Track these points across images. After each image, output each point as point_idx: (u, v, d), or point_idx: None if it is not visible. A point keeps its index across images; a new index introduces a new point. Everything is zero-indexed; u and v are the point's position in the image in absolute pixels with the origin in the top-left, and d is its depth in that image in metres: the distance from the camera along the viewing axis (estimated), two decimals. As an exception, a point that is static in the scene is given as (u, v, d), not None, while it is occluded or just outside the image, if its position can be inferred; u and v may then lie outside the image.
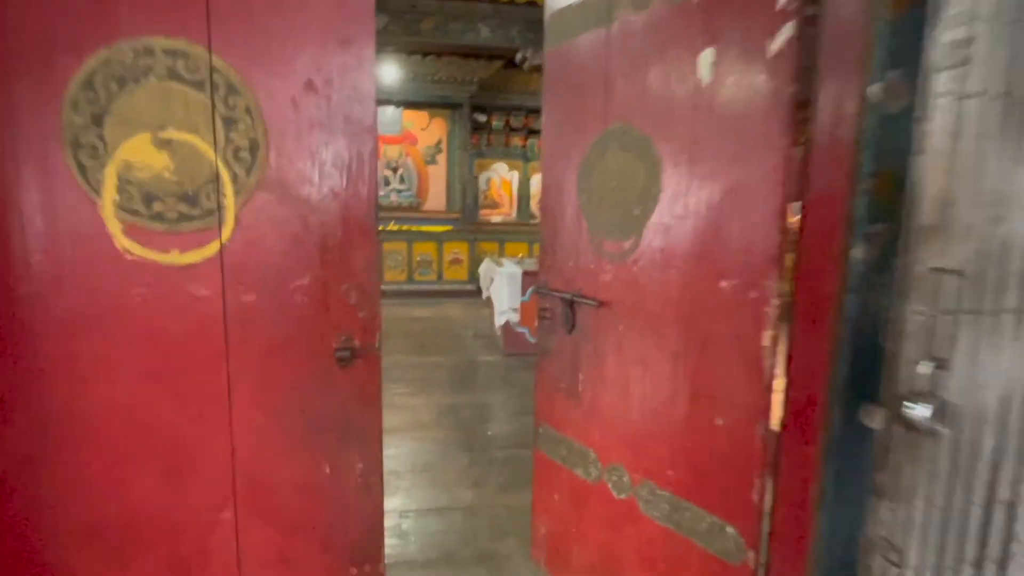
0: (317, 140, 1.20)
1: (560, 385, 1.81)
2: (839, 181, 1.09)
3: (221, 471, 1.31)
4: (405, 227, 7.36)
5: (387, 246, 7.24)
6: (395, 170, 8.01)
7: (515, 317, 4.81)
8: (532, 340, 4.88)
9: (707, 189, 1.31)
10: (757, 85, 1.20)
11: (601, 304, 1.60)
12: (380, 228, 6.78)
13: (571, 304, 1.71)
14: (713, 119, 1.29)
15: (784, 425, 1.23)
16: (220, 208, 1.19)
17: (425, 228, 7.41)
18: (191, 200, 1.18)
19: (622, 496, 1.61)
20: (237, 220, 1.21)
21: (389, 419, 3.51)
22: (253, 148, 1.16)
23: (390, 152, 8.00)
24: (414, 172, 8.14)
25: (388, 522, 2.39)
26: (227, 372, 1.22)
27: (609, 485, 1.65)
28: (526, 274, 4.75)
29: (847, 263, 1.09)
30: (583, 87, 1.66)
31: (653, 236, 1.45)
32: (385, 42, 5.91)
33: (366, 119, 1.26)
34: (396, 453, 3.04)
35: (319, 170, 1.20)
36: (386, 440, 3.22)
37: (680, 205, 1.37)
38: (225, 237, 1.22)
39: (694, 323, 1.37)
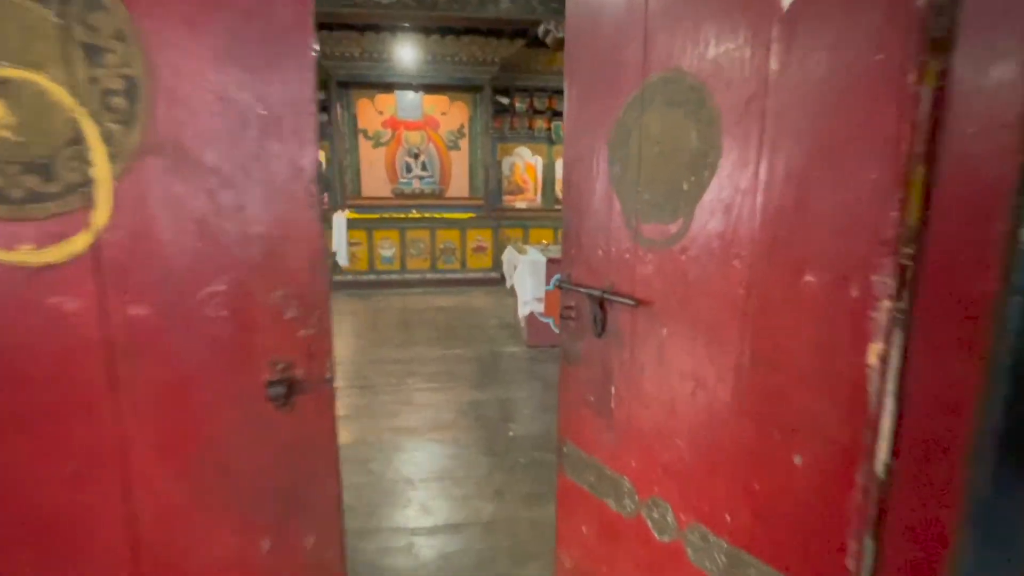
0: (230, 79, 0.81)
1: (588, 399, 1.49)
2: (1001, 131, 0.73)
3: (116, 552, 0.95)
4: (428, 215, 7.09)
5: (410, 234, 6.99)
6: (416, 156, 7.72)
7: (539, 307, 4.50)
8: (557, 331, 4.56)
9: (787, 150, 0.96)
10: (866, -1, 0.84)
11: (639, 303, 1.27)
12: (402, 216, 6.50)
13: (601, 302, 1.38)
14: (795, 53, 0.93)
15: (897, 473, 0.89)
16: (88, 182, 0.82)
17: (448, 215, 7.12)
18: (44, 171, 0.80)
19: (665, 539, 1.29)
20: (115, 199, 0.84)
21: (407, 419, 3.29)
22: (131, 92, 0.79)
23: (412, 138, 7.71)
24: (436, 158, 7.84)
25: (399, 542, 2.13)
26: (115, 417, 0.87)
27: (648, 523, 1.33)
28: (551, 262, 4.41)
29: (1012, 251, 0.73)
30: (616, 34, 1.31)
31: (709, 217, 1.10)
32: (399, 18, 5.58)
33: (302, 46, 0.85)
34: (412, 458, 2.78)
35: (235, 124, 0.82)
36: (403, 443, 3.00)
37: (747, 174, 1.02)
38: (99, 224, 0.84)
39: (765, 330, 1.03)
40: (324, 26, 6.47)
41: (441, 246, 7.10)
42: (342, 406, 3.36)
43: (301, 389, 0.91)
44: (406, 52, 6.55)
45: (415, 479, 2.58)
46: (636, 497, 1.36)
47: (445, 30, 6.79)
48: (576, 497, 1.58)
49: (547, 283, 4.46)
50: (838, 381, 0.93)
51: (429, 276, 7.12)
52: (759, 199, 1.01)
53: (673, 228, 1.18)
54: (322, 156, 7.63)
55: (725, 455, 1.12)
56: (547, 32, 4.97)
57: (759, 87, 0.99)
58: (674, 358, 1.22)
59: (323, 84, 7.06)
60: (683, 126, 1.14)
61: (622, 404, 1.38)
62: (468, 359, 4.26)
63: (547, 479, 2.50)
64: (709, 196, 1.10)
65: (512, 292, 5.17)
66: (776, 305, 1.00)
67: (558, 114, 7.77)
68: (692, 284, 1.15)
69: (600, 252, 1.40)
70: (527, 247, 5.05)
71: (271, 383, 0.87)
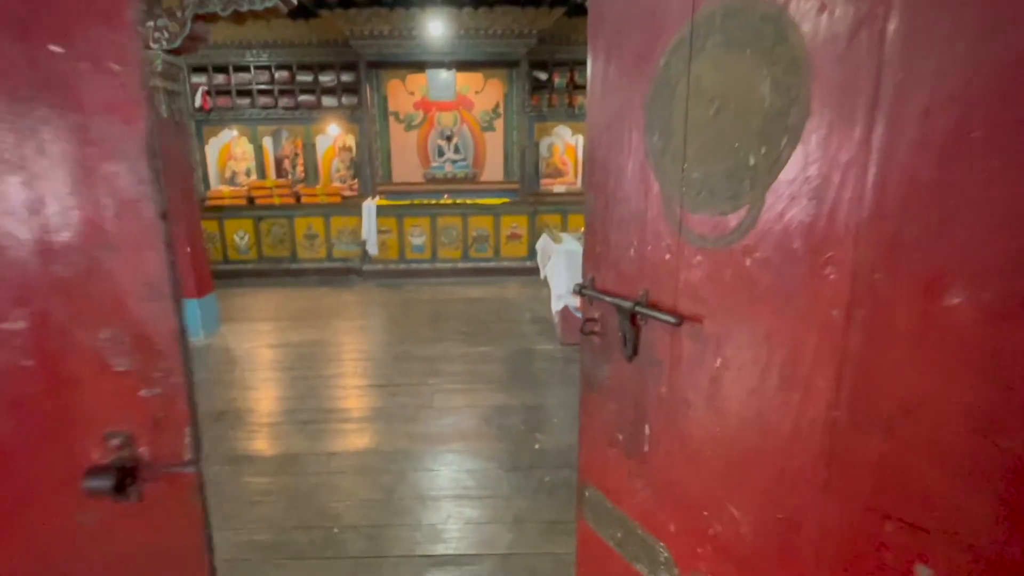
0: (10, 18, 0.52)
1: (615, 437, 1.19)
2: None
3: None
4: (460, 200, 6.83)
5: (441, 221, 6.77)
6: (449, 139, 7.47)
7: (575, 301, 4.18)
8: (595, 327, 4.24)
9: (922, 98, 0.62)
10: None
11: (683, 320, 0.96)
12: (433, 202, 6.27)
13: (632, 317, 1.07)
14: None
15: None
16: None
17: (481, 201, 6.84)
18: None
19: (715, 633, 0.99)
20: None
21: (426, 425, 3.06)
22: None
23: (444, 119, 7.46)
24: (470, 140, 7.57)
25: (402, 572, 1.91)
26: None
27: (693, 608, 1.03)
28: (588, 252, 4.09)
29: None
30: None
31: (787, 203, 0.77)
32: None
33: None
34: (427, 472, 2.56)
35: (26, 86, 0.53)
36: (419, 456, 2.77)
37: (850, 140, 0.69)
38: None
39: (876, 374, 0.70)
40: (351, 3, 6.28)
41: (473, 233, 6.85)
42: (361, 408, 3.18)
43: (148, 475, 0.63)
44: (437, 27, 6.27)
45: (428, 497, 2.35)
46: (675, 570, 1.06)
47: (478, 1, 6.46)
48: (599, 552, 1.29)
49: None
50: (999, 465, 0.59)
51: (460, 265, 6.89)
52: (871, 177, 0.67)
53: (733, 220, 0.86)
54: (352, 140, 7.49)
55: (804, 546, 0.80)
56: (586, -3, 4.57)
57: (876, 2, 0.65)
58: (731, 398, 0.90)
59: (352, 66, 6.89)
60: (751, 75, 0.81)
61: (658, 449, 1.07)
62: (496, 357, 4.01)
63: (572, 504, 2.22)
64: (788, 174, 0.77)
65: (546, 283, 4.87)
66: (896, 338, 0.67)
67: (600, 90, 7.33)
68: (760, 299, 0.83)
69: (632, 251, 1.08)
70: (563, 235, 4.72)
71: (92, 473, 0.59)
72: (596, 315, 1.19)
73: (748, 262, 0.84)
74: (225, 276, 6.85)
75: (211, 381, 3.55)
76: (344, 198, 6.99)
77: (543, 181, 7.67)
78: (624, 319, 1.08)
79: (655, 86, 1.00)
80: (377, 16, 6.30)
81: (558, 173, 7.80)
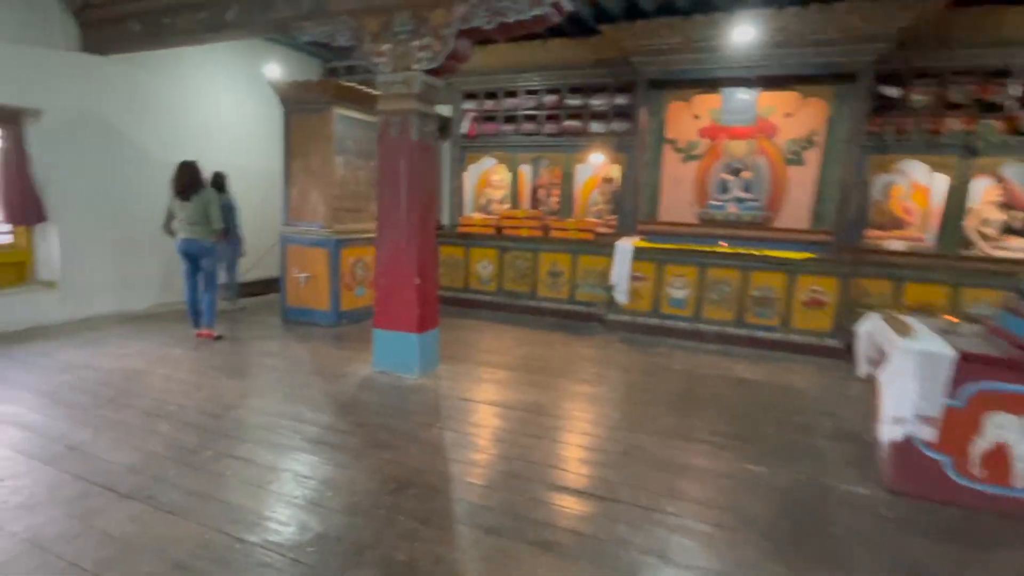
0: None
1: None
2: None
3: None
4: (742, 250, 5.68)
5: (713, 273, 5.71)
6: (738, 173, 6.38)
7: (923, 431, 2.72)
8: (957, 479, 2.68)
9: None
10: None
11: None
12: (705, 249, 5.28)
13: None
14: None
15: None
16: None
17: (772, 253, 5.56)
18: None
19: None
20: None
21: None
22: None
23: (734, 149, 6.43)
24: (766, 175, 6.35)
25: None
26: None
27: None
28: (966, 359, 2.61)
29: None
30: None
31: None
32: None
33: None
34: None
35: None
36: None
37: None
38: None
39: None
40: (638, 14, 5.84)
41: (755, 293, 5.58)
42: (566, 527, 2.43)
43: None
44: (746, 35, 5.34)
45: None
46: None
47: (807, -2, 5.33)
48: None
49: (949, 395, 2.66)
50: None
51: (731, 331, 5.68)
52: None
53: None
54: (616, 171, 7.03)
55: None
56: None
57: None
58: None
59: (629, 87, 6.45)
60: None
61: None
62: (771, 488, 2.83)
63: None
64: None
65: (866, 383, 3.42)
66: None
67: (992, 107, 5.30)
68: None
69: None
70: (911, 322, 3.23)
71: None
72: None
73: None
74: (462, 304, 7.06)
75: (406, 435, 3.27)
76: (596, 235, 6.54)
77: (868, 232, 5.93)
78: None
79: None
80: (668, 27, 5.72)
81: (896, 224, 5.95)
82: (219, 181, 6.18)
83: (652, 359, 5.16)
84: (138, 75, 6.16)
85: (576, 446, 3.23)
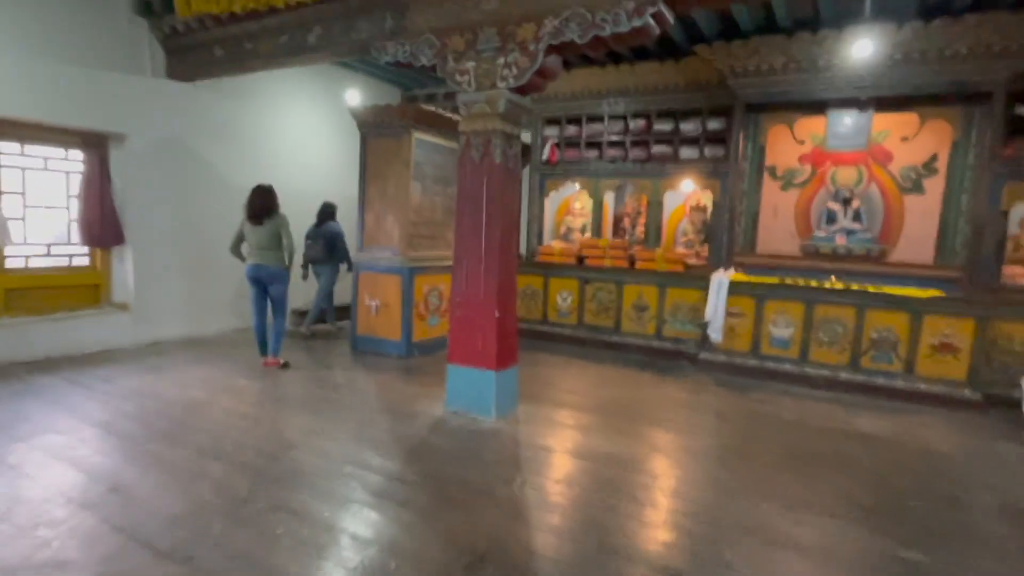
0: None
1: None
2: None
3: None
4: (855, 286, 5.16)
5: (821, 311, 5.21)
6: (847, 202, 5.88)
7: None
8: None
9: None
10: None
11: None
12: (812, 284, 4.78)
13: None
14: None
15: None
16: None
17: (892, 290, 5.01)
18: None
19: None
20: None
21: None
22: None
23: (842, 176, 5.95)
24: (879, 205, 5.82)
25: None
26: None
27: None
28: None
29: None
30: None
31: None
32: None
33: None
34: None
35: None
36: None
37: None
38: None
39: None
40: (732, 35, 5.55)
41: (873, 334, 5.03)
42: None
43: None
44: (862, 51, 4.94)
45: None
46: None
47: (934, 9, 4.88)
48: None
49: None
50: None
51: (844, 377, 5.14)
52: None
53: None
54: (708, 199, 6.66)
55: None
56: None
57: None
58: None
59: (724, 111, 6.13)
60: None
61: None
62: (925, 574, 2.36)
63: None
64: None
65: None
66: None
67: None
68: None
69: None
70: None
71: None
72: None
73: None
74: (541, 337, 6.80)
75: (481, 492, 2.91)
76: (687, 267, 6.18)
77: (1007, 269, 5.26)
78: None
79: None
80: (769, 46, 5.40)
81: (1042, 261, 5.25)
82: (329, 210, 6.45)
83: (753, 405, 4.70)
84: (219, 101, 6.41)
85: (681, 514, 2.80)
